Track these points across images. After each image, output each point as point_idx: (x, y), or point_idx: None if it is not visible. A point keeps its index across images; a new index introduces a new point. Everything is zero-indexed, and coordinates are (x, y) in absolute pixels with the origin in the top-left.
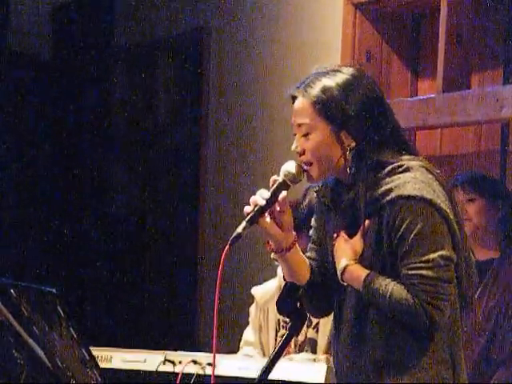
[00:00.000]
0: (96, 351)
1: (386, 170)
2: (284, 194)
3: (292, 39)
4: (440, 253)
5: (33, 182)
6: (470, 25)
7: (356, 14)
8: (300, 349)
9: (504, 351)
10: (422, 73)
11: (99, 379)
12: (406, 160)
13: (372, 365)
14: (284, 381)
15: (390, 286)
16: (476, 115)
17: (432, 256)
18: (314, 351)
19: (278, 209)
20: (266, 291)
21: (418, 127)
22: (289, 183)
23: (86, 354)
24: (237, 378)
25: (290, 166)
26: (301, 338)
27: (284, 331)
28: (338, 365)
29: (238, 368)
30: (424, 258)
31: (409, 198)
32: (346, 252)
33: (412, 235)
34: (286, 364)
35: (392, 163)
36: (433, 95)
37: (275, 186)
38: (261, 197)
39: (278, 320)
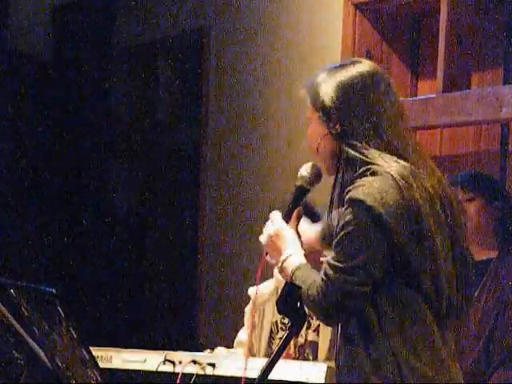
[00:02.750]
0: (96, 351)
1: (360, 170)
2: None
3: (292, 39)
4: (354, 261)
5: (33, 181)
6: (470, 25)
7: (356, 14)
8: (300, 351)
9: (503, 351)
10: (421, 73)
11: (99, 379)
12: (382, 163)
13: (339, 365)
14: (284, 381)
15: (304, 278)
16: (476, 115)
17: (346, 264)
18: (314, 354)
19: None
20: (263, 292)
21: (417, 127)
22: (306, 186)
23: (86, 354)
24: (237, 378)
25: (302, 169)
26: (301, 340)
27: (282, 333)
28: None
29: (238, 368)
30: (340, 258)
31: (354, 200)
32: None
33: (341, 233)
34: (286, 364)
35: (367, 164)
36: (433, 95)
37: (293, 193)
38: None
39: (276, 322)
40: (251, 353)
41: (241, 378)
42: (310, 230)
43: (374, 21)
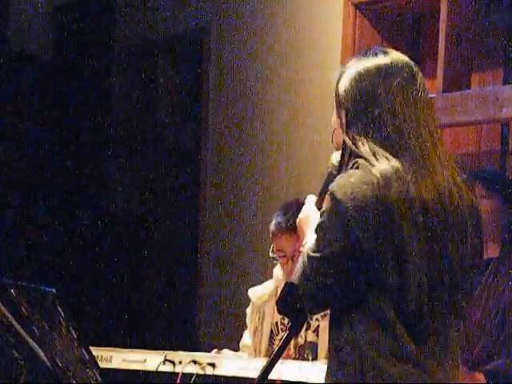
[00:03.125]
0: (96, 351)
1: (351, 162)
2: None
3: (292, 39)
4: (323, 252)
5: (33, 181)
6: (470, 25)
7: (356, 14)
8: (300, 352)
9: (505, 351)
10: (422, 73)
11: (99, 379)
12: (370, 158)
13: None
14: (284, 381)
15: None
16: (476, 115)
17: (316, 253)
18: (314, 354)
19: None
20: (262, 293)
21: None
22: (335, 173)
23: (86, 354)
24: (237, 378)
25: (333, 157)
26: (300, 341)
27: (282, 333)
28: None
29: (238, 368)
30: (313, 247)
31: (329, 192)
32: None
33: (318, 222)
34: (286, 364)
35: (356, 157)
36: (433, 95)
37: (325, 179)
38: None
39: (276, 323)
40: (254, 355)
41: (241, 377)
42: None
43: (374, 21)
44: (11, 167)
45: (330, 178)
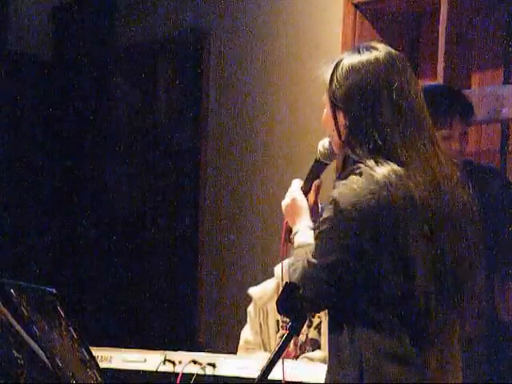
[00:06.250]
0: (96, 351)
1: (351, 167)
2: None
3: (292, 39)
4: (325, 260)
5: (33, 181)
6: (469, 25)
7: (356, 14)
8: (301, 349)
9: None
10: (422, 73)
11: (99, 379)
12: (371, 164)
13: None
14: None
15: (296, 260)
16: (476, 115)
17: (318, 261)
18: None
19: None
20: (264, 291)
21: None
22: (324, 160)
23: (86, 354)
24: (237, 378)
25: (319, 144)
26: (302, 338)
27: (283, 332)
28: None
29: (238, 368)
30: (315, 254)
31: (333, 199)
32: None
33: (320, 229)
34: (286, 364)
35: (357, 162)
36: None
37: (311, 165)
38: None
39: (278, 320)
40: (264, 350)
41: (241, 377)
42: None
43: (374, 21)
44: (11, 167)
45: (317, 164)
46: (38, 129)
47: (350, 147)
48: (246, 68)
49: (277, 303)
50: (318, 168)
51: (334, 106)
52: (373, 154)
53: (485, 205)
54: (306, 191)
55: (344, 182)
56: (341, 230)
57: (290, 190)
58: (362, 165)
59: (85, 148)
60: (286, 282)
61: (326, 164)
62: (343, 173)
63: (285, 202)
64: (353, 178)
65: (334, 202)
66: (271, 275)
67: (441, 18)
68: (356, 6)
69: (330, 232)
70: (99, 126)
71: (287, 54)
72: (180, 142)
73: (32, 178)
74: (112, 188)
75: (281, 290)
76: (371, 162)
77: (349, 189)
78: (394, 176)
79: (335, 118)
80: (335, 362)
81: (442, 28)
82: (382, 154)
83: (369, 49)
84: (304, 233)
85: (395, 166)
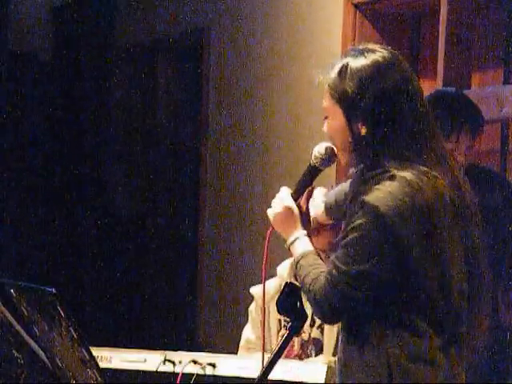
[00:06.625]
0: (96, 351)
1: (377, 171)
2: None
3: (292, 39)
4: (360, 267)
5: (33, 181)
6: (469, 25)
7: (356, 14)
8: (303, 349)
9: None
10: (422, 73)
11: (99, 379)
12: (399, 168)
13: (339, 367)
14: (284, 381)
15: (309, 269)
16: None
17: (351, 267)
18: (318, 351)
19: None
20: (266, 291)
21: None
22: (319, 166)
23: (86, 354)
24: (237, 377)
25: (316, 149)
26: (304, 337)
27: (284, 331)
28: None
29: (238, 368)
30: (347, 260)
31: (368, 205)
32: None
33: (351, 236)
34: (286, 364)
35: (384, 166)
36: None
37: (305, 171)
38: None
39: (279, 320)
40: (265, 350)
41: (241, 377)
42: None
43: (374, 21)
44: (11, 167)
45: (312, 170)
46: (38, 129)
47: (369, 154)
48: (245, 68)
49: (277, 303)
50: (311, 174)
51: (350, 114)
52: (398, 159)
53: (485, 207)
54: (296, 198)
55: (376, 187)
56: (382, 234)
57: (278, 197)
58: (390, 169)
59: (85, 148)
60: (286, 282)
61: (320, 170)
62: (362, 178)
63: (275, 210)
64: (385, 182)
65: (373, 208)
66: (271, 275)
67: (441, 18)
68: (356, 6)
69: (365, 238)
70: (99, 125)
71: (287, 53)
72: (180, 142)
73: (32, 177)
74: (112, 188)
75: (280, 289)
76: (399, 166)
77: (385, 193)
78: (424, 178)
79: (350, 126)
80: (359, 364)
81: (442, 28)
82: (406, 157)
83: (373, 51)
84: (304, 240)
85: (422, 168)
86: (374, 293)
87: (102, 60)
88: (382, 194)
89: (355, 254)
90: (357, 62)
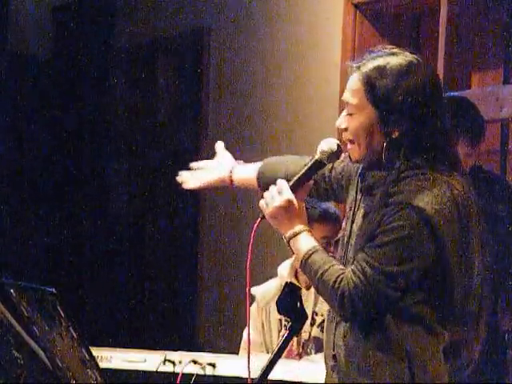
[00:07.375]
0: (96, 351)
1: (411, 172)
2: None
3: (292, 39)
4: (399, 267)
5: (33, 181)
6: (469, 25)
7: (356, 14)
8: (304, 348)
9: None
10: None
11: (99, 379)
12: (433, 171)
13: (341, 366)
14: (284, 381)
15: (327, 265)
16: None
17: (390, 268)
18: (317, 350)
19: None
20: (267, 291)
21: None
22: (324, 161)
23: (86, 354)
24: (237, 377)
25: (325, 144)
26: (305, 336)
27: (285, 331)
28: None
29: (238, 368)
30: (384, 260)
31: (409, 206)
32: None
33: (391, 236)
34: (286, 364)
35: (420, 168)
36: None
37: (309, 163)
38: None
39: (280, 320)
40: (266, 350)
41: (241, 377)
42: None
43: (374, 21)
44: (11, 167)
45: (316, 164)
46: (38, 129)
47: (400, 155)
48: (246, 67)
49: (277, 303)
50: (315, 168)
51: (385, 116)
52: (430, 162)
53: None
54: (294, 191)
55: (413, 188)
56: (427, 235)
57: (276, 190)
58: (426, 171)
59: (85, 148)
60: (286, 282)
61: (325, 165)
62: (393, 179)
63: (274, 204)
64: (425, 183)
65: (417, 208)
66: (271, 275)
67: (441, 18)
68: (356, 6)
69: (408, 239)
70: (99, 125)
71: (287, 53)
72: (180, 142)
73: (32, 177)
74: (112, 188)
75: (281, 289)
76: (434, 169)
77: (428, 195)
78: (461, 181)
79: (382, 127)
80: (377, 361)
81: (442, 28)
82: (439, 159)
83: (400, 52)
84: (309, 234)
85: (454, 171)
86: (409, 293)
87: (102, 60)
88: (426, 196)
89: (397, 254)
90: (395, 64)
